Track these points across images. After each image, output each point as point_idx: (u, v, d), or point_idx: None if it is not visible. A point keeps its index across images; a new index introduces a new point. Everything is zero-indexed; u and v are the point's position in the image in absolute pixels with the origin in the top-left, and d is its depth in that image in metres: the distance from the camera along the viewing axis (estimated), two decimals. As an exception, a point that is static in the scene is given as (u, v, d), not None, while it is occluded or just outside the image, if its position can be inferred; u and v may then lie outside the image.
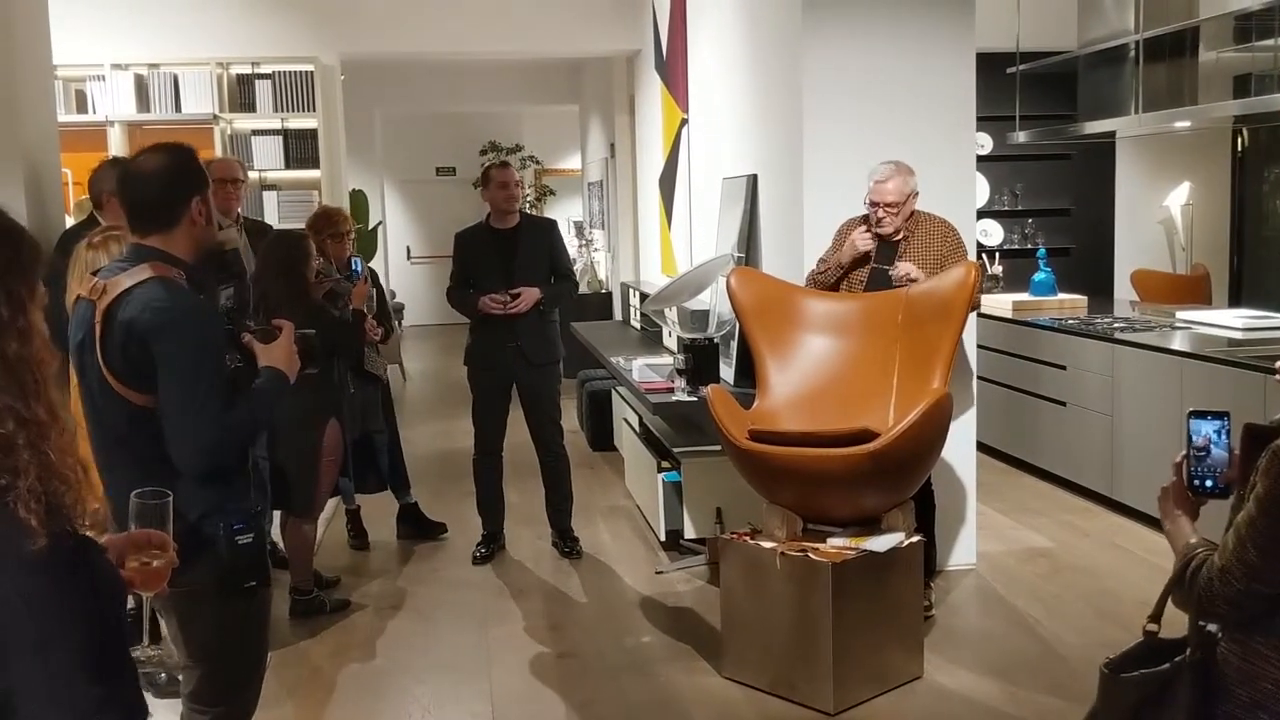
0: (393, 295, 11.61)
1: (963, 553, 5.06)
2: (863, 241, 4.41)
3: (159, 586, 1.76)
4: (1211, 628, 1.78)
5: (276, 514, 4.94)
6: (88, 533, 1.43)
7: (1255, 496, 1.66)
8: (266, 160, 7.69)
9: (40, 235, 4.62)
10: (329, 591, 4.89)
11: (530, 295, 5.11)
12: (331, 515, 5.69)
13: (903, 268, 4.32)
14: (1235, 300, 7.87)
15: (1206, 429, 1.83)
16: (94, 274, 2.46)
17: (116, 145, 7.30)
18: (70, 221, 5.19)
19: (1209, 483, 1.83)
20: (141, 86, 7.52)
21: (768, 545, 3.86)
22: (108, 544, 1.68)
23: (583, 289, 8.32)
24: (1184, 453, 1.86)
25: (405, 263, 15.38)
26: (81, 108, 7.45)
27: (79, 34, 6.96)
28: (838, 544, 3.82)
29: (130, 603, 1.84)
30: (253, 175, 7.43)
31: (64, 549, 1.32)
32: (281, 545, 5.02)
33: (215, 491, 2.40)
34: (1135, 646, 1.91)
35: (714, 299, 5.36)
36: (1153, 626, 1.89)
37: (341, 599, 4.85)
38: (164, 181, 2.45)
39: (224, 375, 2.42)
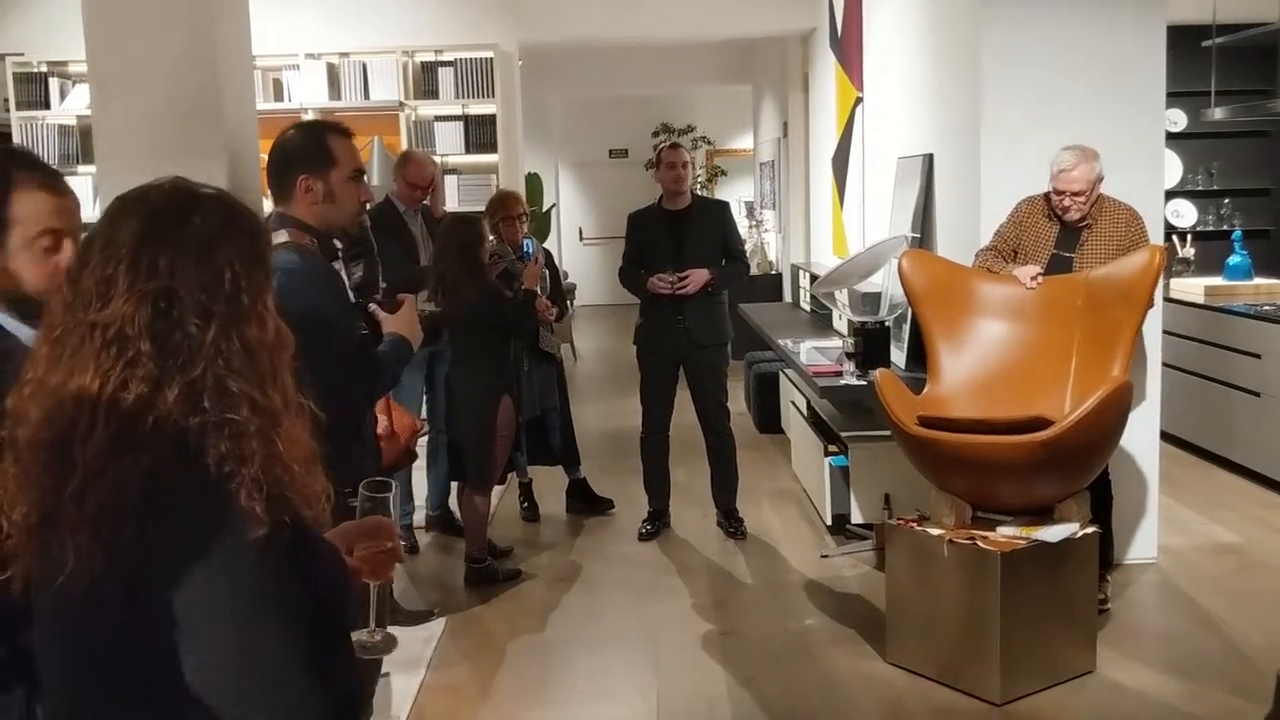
0: (565, 276, 11.82)
1: (1143, 546, 4.88)
2: (1028, 280, 4.23)
3: (386, 574, 1.75)
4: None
5: (454, 485, 5.17)
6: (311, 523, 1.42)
7: None
8: (448, 145, 7.94)
9: (241, 217, 4.92)
10: (502, 560, 5.07)
11: (699, 277, 5.16)
12: (505, 488, 5.88)
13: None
14: None
15: None
16: None
17: (309, 132, 7.65)
18: (268, 206, 5.49)
19: None
20: (333, 75, 7.86)
21: (935, 532, 3.82)
22: (336, 534, 1.69)
23: (752, 270, 8.31)
24: None
25: (577, 244, 15.65)
26: (278, 96, 7.84)
27: (276, 26, 7.33)
28: (1008, 533, 3.75)
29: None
30: (437, 159, 7.69)
31: (283, 538, 1.30)
32: (458, 515, 5.23)
33: (327, 457, 2.49)
34: None
35: (886, 281, 5.29)
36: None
37: (513, 568, 5.02)
38: (281, 156, 2.63)
39: (346, 338, 2.53)
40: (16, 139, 7.35)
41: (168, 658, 1.26)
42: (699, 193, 5.47)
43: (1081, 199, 4.23)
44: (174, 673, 1.26)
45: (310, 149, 2.61)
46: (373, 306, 2.72)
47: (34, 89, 7.42)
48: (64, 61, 7.40)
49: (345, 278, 2.82)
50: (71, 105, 7.36)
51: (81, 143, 7.33)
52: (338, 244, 2.85)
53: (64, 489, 1.27)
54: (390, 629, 1.81)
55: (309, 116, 7.72)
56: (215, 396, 1.28)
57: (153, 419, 1.27)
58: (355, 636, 1.87)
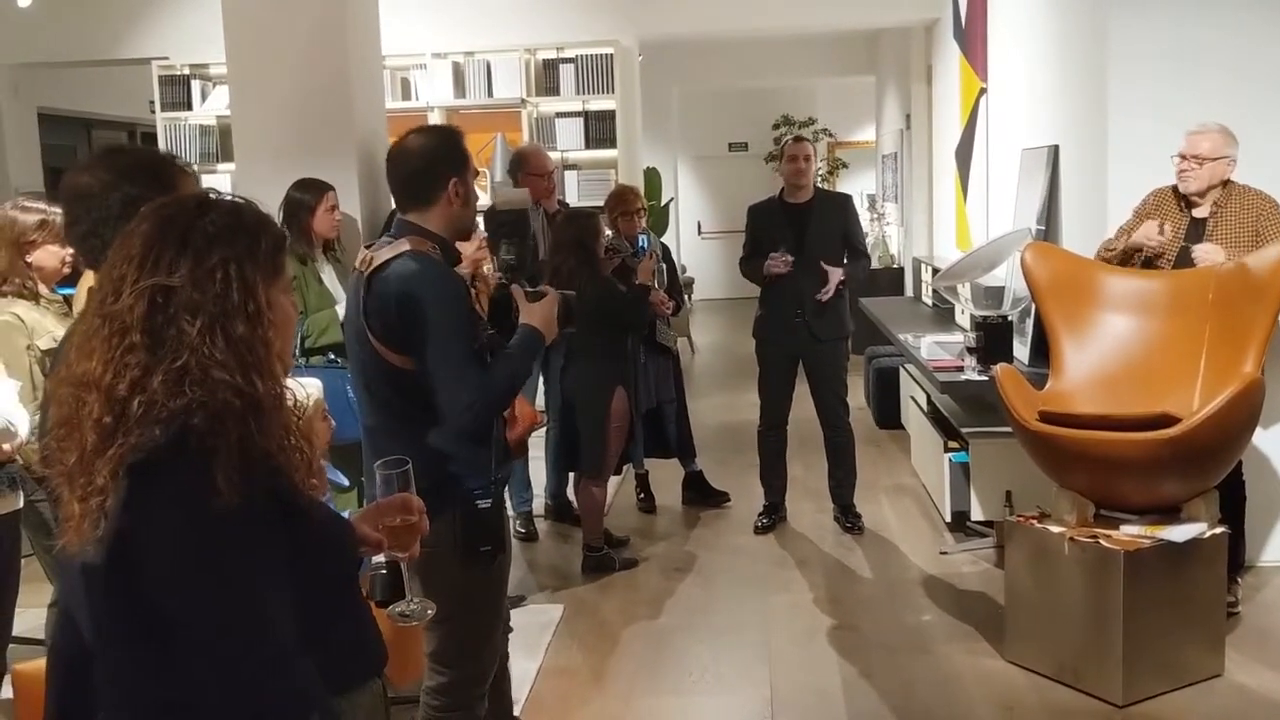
0: (683, 270, 11.87)
1: (1277, 549, 4.70)
2: (1152, 238, 4.14)
3: (411, 547, 1.85)
4: None
5: (571, 474, 5.26)
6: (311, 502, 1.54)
7: None
8: (568, 141, 8.05)
9: (372, 216, 5.09)
10: (618, 550, 5.15)
11: (835, 277, 5.14)
12: (622, 479, 5.96)
13: (1201, 250, 4.04)
14: None
15: None
16: (366, 247, 2.65)
17: (435, 129, 7.83)
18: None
19: None
20: (458, 73, 8.03)
21: (1056, 530, 3.76)
22: (367, 511, 1.86)
23: (873, 264, 8.24)
24: None
25: (696, 238, 15.68)
26: (406, 95, 8.05)
27: (403, 27, 7.54)
28: (1132, 532, 3.66)
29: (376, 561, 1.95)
30: (555, 155, 7.81)
31: (260, 511, 1.43)
32: (575, 504, 5.33)
33: (458, 458, 2.53)
34: None
35: (1009, 275, 5.20)
36: None
37: (630, 558, 5.09)
38: (425, 161, 2.59)
39: (474, 341, 2.53)
40: (161, 139, 7.72)
41: (158, 618, 1.40)
42: (820, 186, 5.44)
43: (1198, 165, 4.09)
44: (164, 632, 1.40)
45: (453, 151, 2.64)
46: (516, 288, 2.69)
47: (177, 91, 7.76)
48: (205, 64, 7.72)
49: (493, 260, 2.83)
50: (212, 106, 7.68)
51: (221, 142, 7.65)
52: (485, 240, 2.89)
53: (74, 462, 1.44)
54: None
55: (435, 115, 7.92)
56: (198, 383, 1.42)
57: (141, 401, 1.42)
58: (391, 607, 1.99)
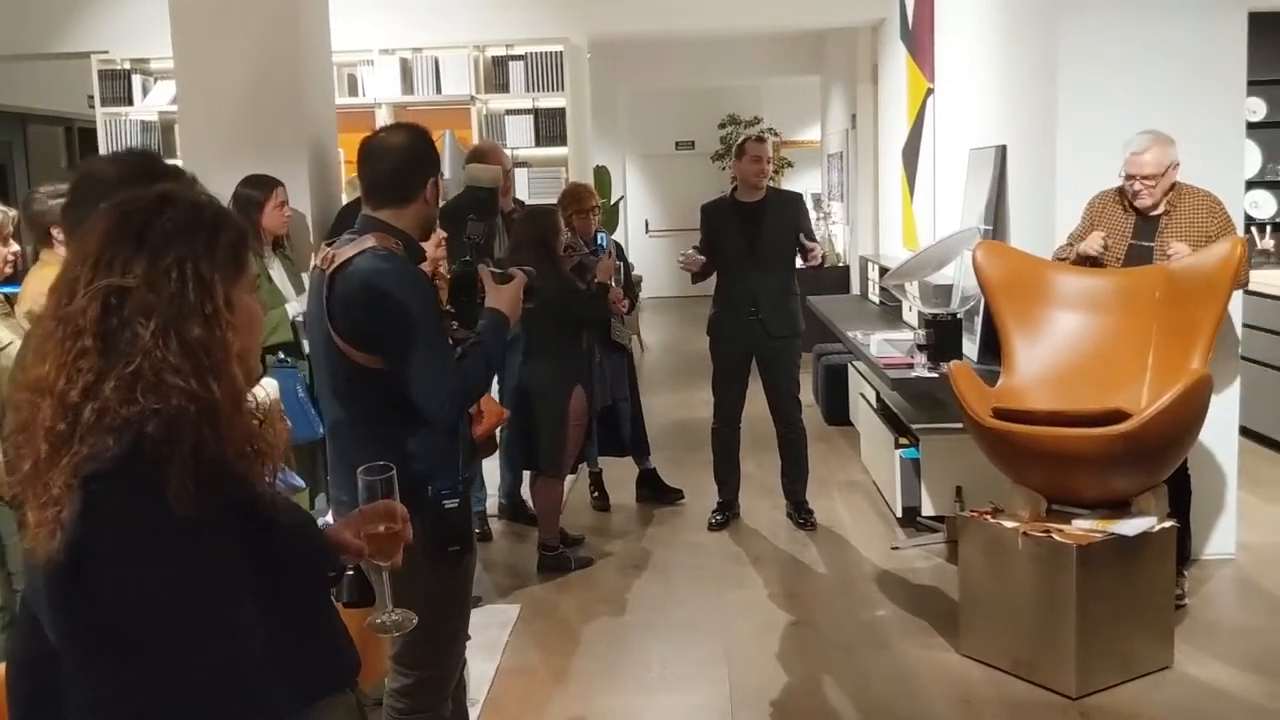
0: (632, 268, 11.86)
1: (1221, 542, 4.81)
2: (1093, 247, 4.25)
3: (394, 555, 1.81)
4: None
5: (526, 474, 5.24)
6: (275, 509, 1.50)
7: None
8: (518, 138, 8.01)
9: (322, 212, 5.03)
10: (574, 549, 5.13)
11: (816, 248, 5.23)
12: (575, 478, 5.94)
13: (1176, 248, 4.12)
14: None
15: None
16: (328, 244, 2.60)
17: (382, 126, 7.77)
18: (345, 199, 5.60)
19: None
20: (406, 70, 7.96)
21: (1010, 525, 3.81)
22: (349, 519, 1.81)
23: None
24: None
25: (644, 236, 15.68)
26: (353, 91, 7.96)
27: (352, 22, 7.45)
28: (1084, 526, 3.73)
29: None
30: (505, 153, 7.77)
31: (218, 521, 1.39)
32: (530, 503, 5.31)
33: (425, 457, 2.49)
34: None
35: (958, 273, 5.26)
36: None
37: (585, 556, 5.09)
38: (405, 159, 2.56)
39: (446, 334, 2.52)
40: (101, 135, 7.57)
41: (116, 631, 1.36)
42: (769, 184, 5.48)
43: (1152, 184, 4.18)
44: (123, 645, 1.37)
45: (431, 150, 2.62)
46: (483, 267, 2.65)
47: (117, 86, 7.61)
48: (146, 59, 7.58)
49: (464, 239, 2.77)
50: (153, 101, 7.54)
51: (163, 138, 7.51)
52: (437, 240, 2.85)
53: (29, 470, 1.40)
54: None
55: (382, 111, 7.85)
56: (151, 388, 1.38)
57: (94, 408, 1.37)
58: (370, 618, 1.94)
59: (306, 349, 4.30)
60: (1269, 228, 7.39)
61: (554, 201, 5.58)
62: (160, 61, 7.37)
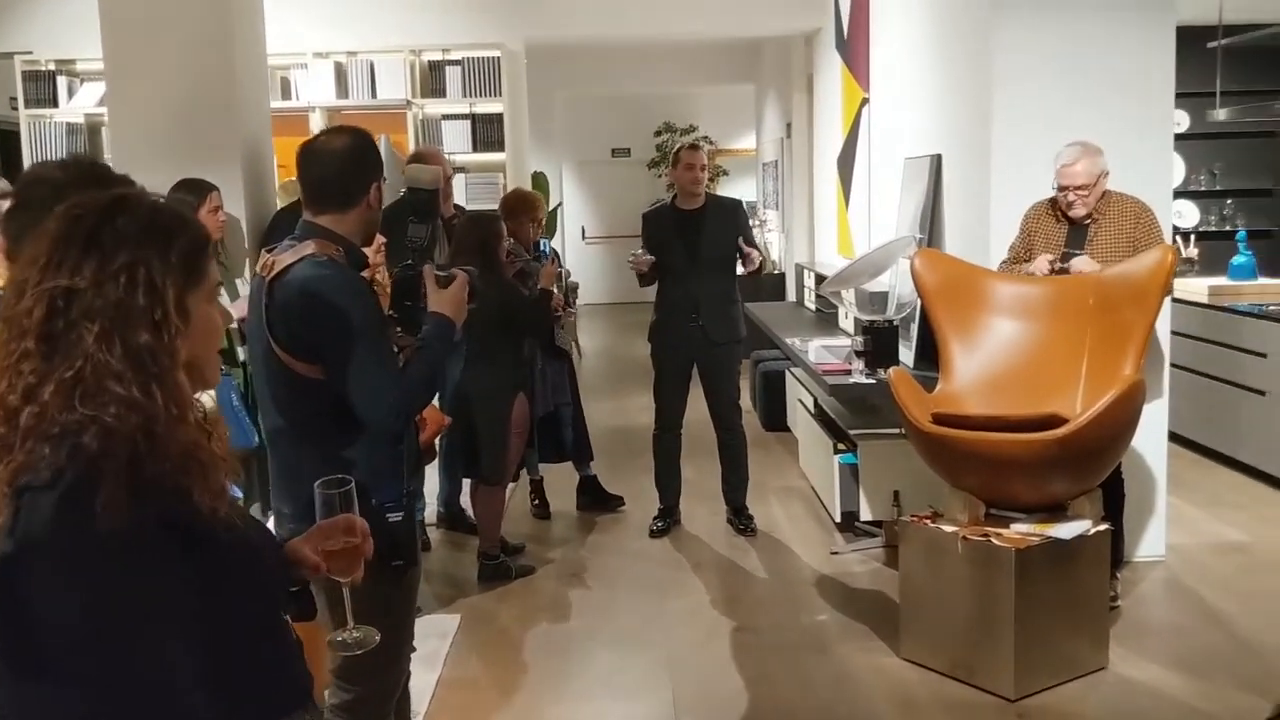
0: (568, 275, 11.84)
1: (1151, 544, 4.91)
2: (1040, 270, 4.32)
3: (354, 571, 1.77)
4: None
5: (467, 481, 5.20)
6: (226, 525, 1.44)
7: None
8: (455, 144, 7.96)
9: (257, 217, 4.95)
10: (514, 557, 5.09)
11: (755, 254, 5.23)
12: (515, 485, 5.90)
13: (1077, 263, 4.22)
14: None
15: None
16: (268, 251, 2.53)
17: (317, 130, 7.67)
18: (279, 204, 5.51)
19: None
20: (340, 74, 7.87)
21: (949, 529, 3.85)
22: (300, 539, 1.74)
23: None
24: None
25: (580, 242, 15.67)
26: (286, 94, 7.85)
27: (284, 25, 7.35)
28: (1022, 530, 3.78)
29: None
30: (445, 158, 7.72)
31: (154, 538, 1.34)
32: (469, 511, 5.26)
33: (368, 468, 2.42)
34: None
35: (894, 281, 5.32)
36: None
37: (526, 565, 5.05)
38: (346, 164, 2.50)
39: (382, 347, 2.45)
40: (25, 138, 7.37)
41: (40, 646, 1.32)
42: (708, 192, 5.51)
43: (1084, 194, 4.27)
44: (51, 666, 1.32)
45: (372, 153, 2.56)
46: (428, 268, 2.59)
47: (42, 87, 7.42)
48: (72, 59, 7.40)
49: (407, 241, 2.71)
50: (80, 103, 7.37)
51: (90, 140, 7.34)
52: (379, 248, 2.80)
53: None
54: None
55: (316, 116, 7.76)
56: (91, 394, 1.34)
57: (32, 413, 1.33)
58: (331, 635, 1.90)
59: (242, 356, 4.22)
60: (1193, 237, 7.57)
61: (493, 207, 5.56)
62: (87, 62, 7.20)
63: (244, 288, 4.46)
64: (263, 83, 5.42)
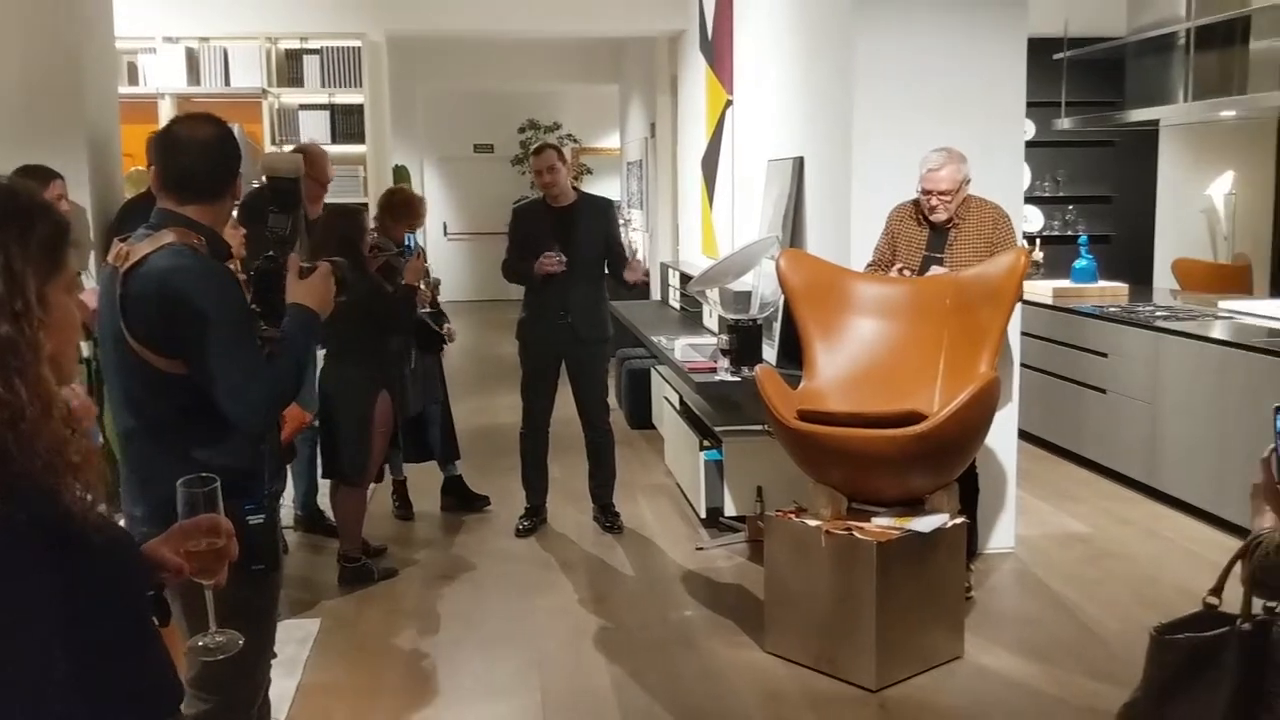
0: (438, 282, 11.70)
1: (1002, 536, 5.10)
2: (900, 275, 4.46)
3: (217, 574, 1.71)
4: (1270, 605, 1.82)
5: (327, 482, 5.06)
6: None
7: None
8: (313, 135, 7.77)
9: (103, 205, 4.73)
10: (377, 560, 4.99)
11: (639, 264, 5.26)
12: (377, 485, 5.78)
13: (933, 270, 4.40)
14: (1277, 290, 7.83)
15: None
16: (121, 240, 2.42)
17: (167, 118, 7.37)
18: (127, 193, 5.28)
19: None
20: (192, 60, 7.61)
21: (813, 524, 3.92)
22: (170, 534, 1.67)
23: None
24: (1271, 448, 1.83)
25: (442, 239, 15.47)
26: (133, 80, 7.55)
27: (132, 7, 7.05)
28: (883, 524, 3.87)
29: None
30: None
31: (19, 538, 1.27)
32: (330, 513, 5.13)
33: (228, 469, 2.23)
34: (1190, 615, 1.94)
35: (757, 280, 5.40)
36: (1213, 600, 1.92)
37: (389, 567, 4.95)
38: (214, 155, 2.42)
39: (247, 337, 2.38)
40: None
41: None
42: (580, 190, 5.48)
43: (947, 199, 4.40)
44: None
45: (235, 144, 2.47)
46: (294, 258, 2.49)
47: None
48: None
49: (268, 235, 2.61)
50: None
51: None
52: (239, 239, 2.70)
53: None
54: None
55: (166, 103, 7.47)
56: None
57: None
58: (192, 640, 1.83)
59: (85, 352, 4.03)
60: (1038, 241, 7.89)
61: (354, 201, 5.44)
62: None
63: (89, 280, 4.25)
64: (110, 67, 5.19)
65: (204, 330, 2.28)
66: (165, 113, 7.46)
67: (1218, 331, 5.60)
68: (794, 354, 4.64)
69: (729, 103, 7.29)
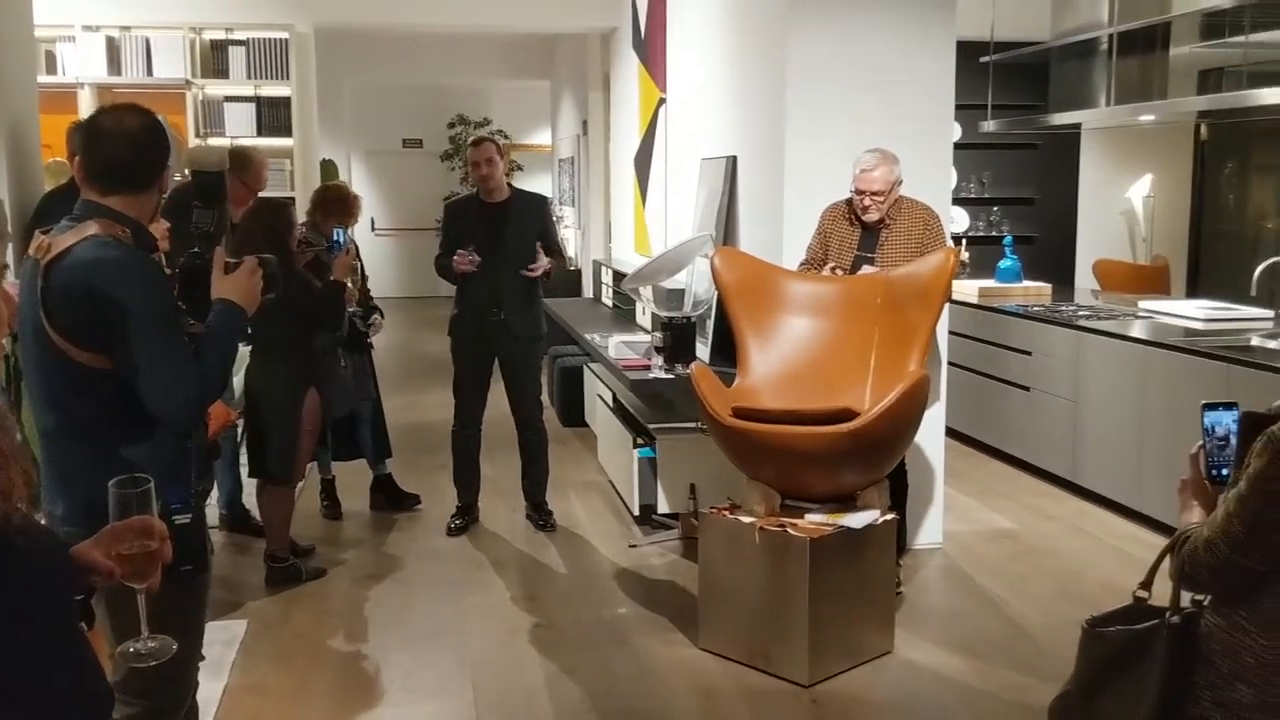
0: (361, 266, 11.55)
1: (930, 532, 5.17)
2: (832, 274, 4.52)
3: (151, 577, 1.67)
4: (1198, 598, 1.87)
5: (253, 481, 4.97)
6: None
7: (1247, 475, 1.75)
8: (238, 127, 7.64)
9: (21, 198, 4.59)
10: (305, 560, 4.91)
11: (543, 260, 5.17)
12: (304, 484, 5.70)
13: (865, 269, 4.45)
14: (1193, 291, 8.05)
15: (1226, 420, 1.87)
16: (43, 232, 2.36)
17: (86, 108, 7.21)
18: (47, 185, 5.13)
19: (1225, 471, 1.87)
20: (113, 49, 7.43)
21: (747, 520, 3.94)
22: (90, 544, 1.62)
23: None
24: (1200, 444, 1.91)
25: (370, 234, 15.28)
26: (51, 69, 7.35)
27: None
28: (815, 520, 3.90)
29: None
30: (224, 141, 7.39)
31: None
32: (257, 513, 5.04)
33: (153, 467, 2.18)
34: (1121, 608, 1.99)
35: (691, 278, 5.41)
36: (1143, 593, 1.97)
37: (318, 567, 4.88)
38: (142, 146, 2.38)
39: (174, 332, 2.34)
40: None
41: None
42: (514, 186, 5.43)
43: (880, 199, 4.45)
44: None
45: (164, 135, 2.42)
46: (219, 251, 2.44)
47: None
48: None
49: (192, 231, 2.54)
50: None
51: None
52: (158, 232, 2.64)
53: None
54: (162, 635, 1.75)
55: (86, 93, 7.29)
56: None
57: None
58: (123, 645, 1.78)
59: (6, 347, 3.90)
60: (964, 241, 8.01)
61: (279, 194, 5.34)
62: None
63: (8, 275, 4.12)
64: (28, 55, 5.04)
65: (129, 323, 2.23)
66: (85, 103, 7.28)
67: (1137, 331, 5.73)
68: (727, 351, 4.66)
69: (662, 100, 7.29)
